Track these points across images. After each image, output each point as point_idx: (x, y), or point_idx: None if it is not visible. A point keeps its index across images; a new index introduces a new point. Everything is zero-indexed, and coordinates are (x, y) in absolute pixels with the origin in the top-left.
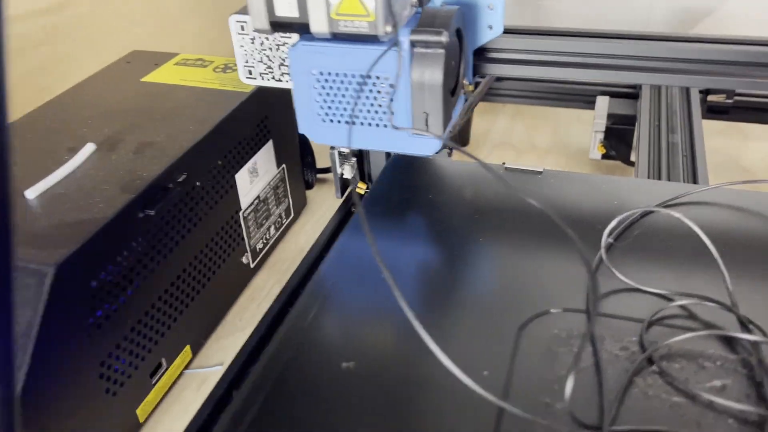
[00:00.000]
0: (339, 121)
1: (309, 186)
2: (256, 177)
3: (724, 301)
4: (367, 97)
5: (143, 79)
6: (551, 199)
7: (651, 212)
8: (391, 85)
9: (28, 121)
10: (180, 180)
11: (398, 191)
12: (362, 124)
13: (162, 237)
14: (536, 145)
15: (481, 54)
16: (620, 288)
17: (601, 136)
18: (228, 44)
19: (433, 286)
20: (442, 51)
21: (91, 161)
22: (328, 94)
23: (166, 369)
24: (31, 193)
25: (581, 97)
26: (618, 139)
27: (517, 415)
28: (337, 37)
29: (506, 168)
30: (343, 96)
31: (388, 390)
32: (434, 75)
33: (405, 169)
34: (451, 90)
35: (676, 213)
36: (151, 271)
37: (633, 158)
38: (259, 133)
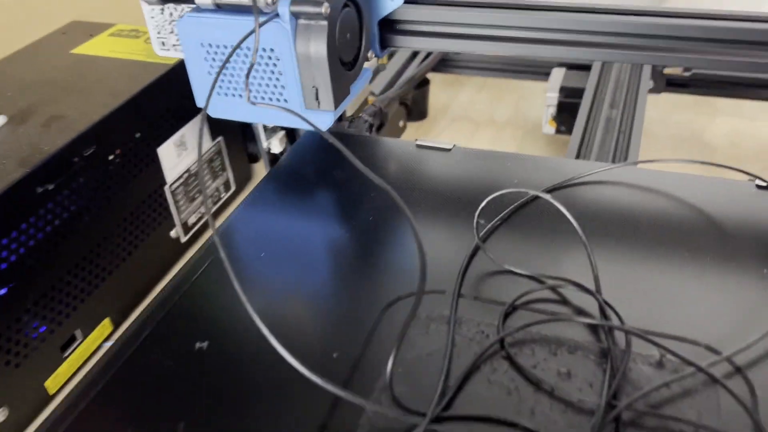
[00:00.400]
0: (233, 95)
1: (254, 159)
2: (184, 150)
3: (590, 286)
4: (257, 71)
5: (73, 51)
6: (454, 176)
7: (534, 195)
8: (278, 58)
9: None
10: (87, 154)
11: (305, 166)
12: (255, 98)
13: (69, 211)
14: (495, 120)
15: (390, 26)
16: (493, 270)
17: (553, 110)
18: None
19: (312, 264)
20: (324, 23)
21: (3, 133)
22: (218, 67)
23: (81, 341)
24: None
25: (543, 69)
26: (570, 114)
27: (343, 397)
28: (222, 9)
29: (417, 145)
30: (234, 69)
31: (236, 369)
32: (319, 47)
33: (317, 145)
34: (348, 63)
35: (545, 195)
36: (56, 245)
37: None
38: (188, 106)
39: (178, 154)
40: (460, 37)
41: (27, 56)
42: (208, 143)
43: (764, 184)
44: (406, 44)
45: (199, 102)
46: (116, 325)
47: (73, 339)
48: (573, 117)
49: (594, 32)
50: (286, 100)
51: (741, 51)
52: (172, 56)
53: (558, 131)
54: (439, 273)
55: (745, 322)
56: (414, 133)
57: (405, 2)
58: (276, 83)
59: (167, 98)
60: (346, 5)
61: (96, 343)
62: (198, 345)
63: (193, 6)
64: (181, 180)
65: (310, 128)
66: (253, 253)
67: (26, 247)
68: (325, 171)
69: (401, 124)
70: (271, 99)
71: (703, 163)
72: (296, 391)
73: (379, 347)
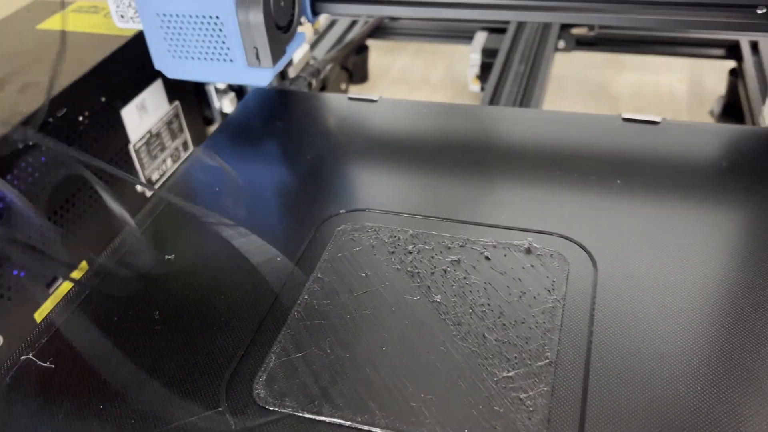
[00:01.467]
0: (187, 57)
1: (209, 122)
2: (145, 113)
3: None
4: (205, 35)
5: (39, 27)
6: (381, 124)
7: None
8: (223, 24)
9: None
10: (60, 115)
11: (253, 120)
12: (206, 59)
13: (45, 166)
14: (429, 81)
15: None
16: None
17: (476, 70)
18: None
19: (258, 194)
20: None
21: None
22: (172, 34)
23: (63, 281)
24: None
25: (468, 34)
26: (486, 70)
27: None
28: None
29: (349, 98)
30: (186, 35)
31: (201, 283)
32: (256, 15)
33: (264, 101)
34: (283, 27)
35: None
36: (36, 196)
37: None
38: (146, 74)
39: (140, 116)
40: (384, 3)
41: None
42: (166, 107)
43: (628, 117)
44: (333, 11)
45: (157, 65)
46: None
47: (56, 278)
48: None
49: None
50: (231, 60)
51: (640, 9)
52: (130, 27)
53: (482, 89)
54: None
55: (599, 218)
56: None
57: None
58: (222, 45)
59: (128, 66)
60: None
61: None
62: (167, 257)
63: None
64: (144, 140)
65: (255, 85)
66: (209, 189)
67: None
68: (268, 122)
69: (343, 87)
70: (218, 59)
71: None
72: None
73: (313, 253)
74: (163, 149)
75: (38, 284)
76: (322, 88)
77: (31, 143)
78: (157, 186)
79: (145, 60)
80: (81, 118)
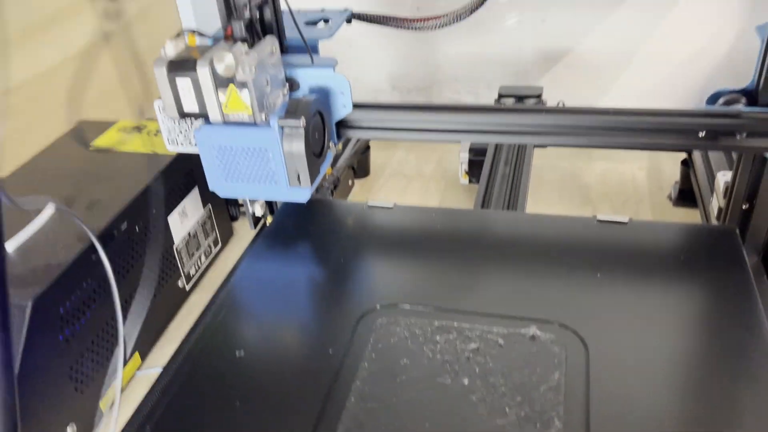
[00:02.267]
0: (238, 180)
1: (234, 218)
2: (185, 218)
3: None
4: (255, 163)
5: (91, 147)
6: (397, 227)
7: None
8: (270, 155)
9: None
10: (123, 228)
11: (289, 228)
12: (254, 181)
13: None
14: (423, 174)
15: (343, 123)
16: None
17: (465, 166)
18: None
19: (301, 294)
20: (302, 131)
21: (54, 219)
22: (226, 162)
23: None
24: (10, 246)
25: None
26: (477, 168)
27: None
28: (229, 123)
29: (369, 205)
30: (238, 163)
31: (270, 374)
32: (299, 147)
33: (297, 211)
34: (317, 153)
35: None
36: (104, 298)
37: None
38: (186, 184)
39: (181, 221)
40: (390, 129)
41: (53, 153)
42: (201, 211)
43: (601, 218)
44: (354, 135)
45: (212, 186)
46: (143, 357)
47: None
48: (480, 171)
49: (489, 124)
50: (276, 182)
51: (601, 133)
52: (178, 150)
53: (470, 182)
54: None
55: (586, 306)
56: (360, 189)
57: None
58: (269, 171)
59: (172, 180)
60: (315, 115)
61: (131, 372)
62: (237, 353)
63: (206, 119)
64: (184, 241)
65: (296, 201)
66: (260, 294)
67: (85, 301)
68: (302, 229)
69: (350, 182)
70: (265, 181)
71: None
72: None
73: (358, 344)
74: (198, 247)
75: (102, 376)
76: (335, 187)
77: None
78: (194, 282)
79: (185, 173)
80: (137, 229)
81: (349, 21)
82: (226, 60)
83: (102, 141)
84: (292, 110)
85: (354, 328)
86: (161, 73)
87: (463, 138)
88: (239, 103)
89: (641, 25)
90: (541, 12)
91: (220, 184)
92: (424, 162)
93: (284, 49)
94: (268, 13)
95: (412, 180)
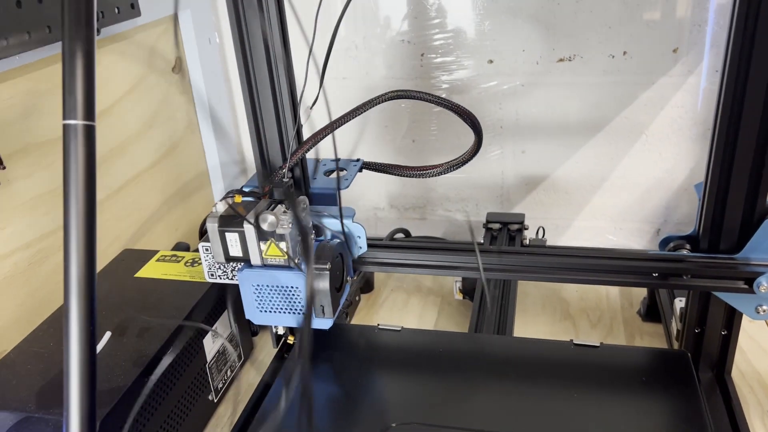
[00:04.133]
0: (270, 312)
1: (254, 334)
2: (216, 337)
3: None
4: (287, 298)
5: (135, 276)
6: (406, 348)
7: None
8: (299, 292)
9: (54, 319)
10: (169, 353)
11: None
12: (284, 312)
13: (158, 392)
14: (421, 288)
15: (359, 260)
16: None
17: (459, 285)
18: (192, 233)
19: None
20: (327, 273)
21: (110, 345)
22: (262, 297)
23: None
24: None
25: None
26: (470, 286)
27: None
28: (266, 266)
29: (379, 328)
30: (272, 298)
31: None
32: (324, 286)
33: (316, 335)
34: (338, 288)
35: None
36: (151, 416)
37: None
38: (218, 307)
39: (213, 341)
40: (397, 265)
41: (104, 279)
42: (228, 329)
43: (577, 342)
44: (366, 269)
45: (248, 315)
46: None
47: None
48: (471, 289)
49: (479, 263)
50: (301, 311)
51: (567, 273)
52: (216, 282)
53: (464, 297)
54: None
55: (564, 424)
56: (365, 303)
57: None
58: (297, 304)
59: (208, 306)
60: (337, 257)
61: None
62: None
63: (248, 263)
64: (215, 358)
65: (319, 328)
66: (288, 413)
67: (138, 420)
68: (321, 352)
69: (357, 298)
70: (293, 312)
71: None
72: None
73: None
74: (225, 362)
75: None
76: (348, 306)
77: (149, 379)
78: (221, 396)
79: (218, 298)
80: (180, 351)
81: (360, 170)
82: (269, 220)
83: (146, 271)
84: (318, 254)
85: None
86: (213, 228)
87: (459, 274)
88: (277, 250)
89: (609, 156)
90: (520, 144)
91: (255, 314)
92: (422, 278)
93: (309, 199)
94: (297, 171)
95: (411, 294)
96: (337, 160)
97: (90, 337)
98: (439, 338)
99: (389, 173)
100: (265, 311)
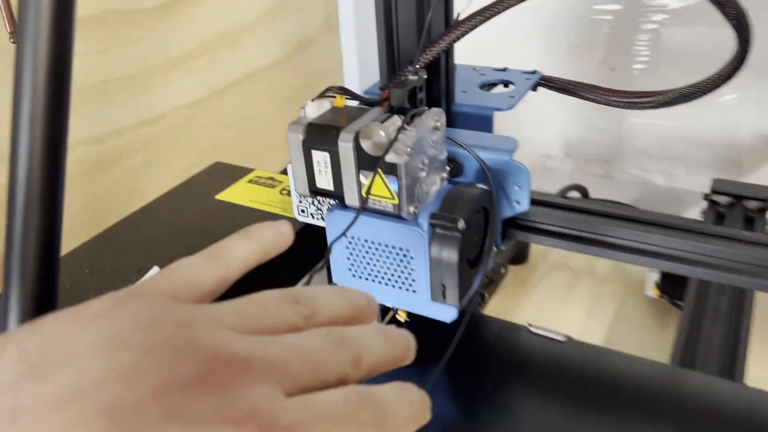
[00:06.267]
0: (367, 279)
1: None
2: None
3: None
4: (391, 263)
5: (216, 197)
6: (569, 372)
7: None
8: (412, 257)
9: (108, 236)
10: None
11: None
12: (386, 284)
13: None
14: (595, 271)
15: (511, 222)
16: None
17: (656, 277)
18: None
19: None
20: (458, 235)
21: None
22: (357, 256)
23: None
24: None
25: None
26: (674, 284)
27: None
28: (367, 210)
29: (531, 330)
30: (370, 259)
31: None
32: (451, 255)
33: None
34: (472, 262)
35: None
36: None
37: (683, 303)
38: (316, 259)
39: None
40: (574, 239)
41: (175, 199)
42: None
43: None
44: (525, 239)
45: (335, 278)
46: None
47: None
48: (677, 286)
49: (692, 253)
50: (414, 291)
51: None
52: (308, 222)
53: (661, 296)
54: None
55: None
56: (513, 279)
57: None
58: (407, 276)
59: (299, 255)
60: (477, 213)
61: None
62: None
63: (341, 201)
64: None
65: (437, 319)
66: None
67: None
68: (445, 351)
69: (503, 270)
70: (401, 288)
71: None
72: None
73: None
74: None
75: None
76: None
77: None
78: None
79: (317, 246)
80: None
81: (534, 89)
82: (375, 137)
83: (230, 193)
84: (448, 205)
85: None
86: (296, 140)
87: (661, 265)
88: (384, 189)
89: None
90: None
91: (345, 279)
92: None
93: (450, 119)
94: (441, 78)
95: (579, 277)
96: (501, 69)
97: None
98: (628, 367)
99: (579, 96)
100: (360, 276)
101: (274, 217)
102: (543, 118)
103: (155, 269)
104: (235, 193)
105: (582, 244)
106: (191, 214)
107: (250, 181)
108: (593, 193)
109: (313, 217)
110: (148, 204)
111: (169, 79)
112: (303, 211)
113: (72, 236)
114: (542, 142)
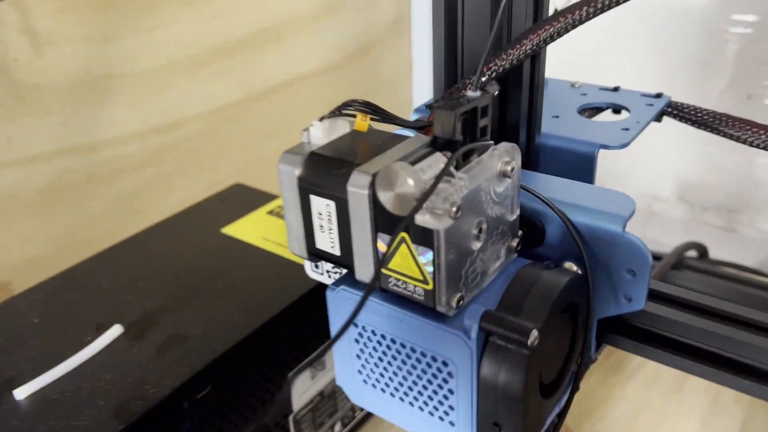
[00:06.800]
0: (382, 389)
1: None
2: (321, 370)
3: None
4: (419, 377)
5: (223, 230)
6: None
7: None
8: (450, 374)
9: (74, 275)
10: (199, 396)
11: None
12: (410, 404)
13: None
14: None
15: (624, 320)
16: None
17: None
18: None
19: None
20: (526, 353)
21: (108, 352)
22: (370, 354)
23: None
24: (21, 393)
25: None
26: None
27: None
28: (386, 292)
29: None
30: (388, 363)
31: None
32: (513, 380)
33: None
34: (546, 387)
35: None
36: None
37: None
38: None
39: (312, 376)
40: (709, 359)
41: (171, 230)
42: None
43: None
44: (636, 351)
45: (339, 380)
46: None
47: None
48: None
49: None
50: (452, 424)
51: None
52: (322, 280)
53: None
54: None
55: None
56: (603, 360)
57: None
58: (442, 400)
59: (307, 317)
60: (562, 313)
61: None
62: None
63: (350, 274)
64: (311, 406)
65: None
66: None
67: None
68: None
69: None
70: (431, 414)
71: None
72: None
73: None
74: (331, 414)
75: None
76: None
77: None
78: None
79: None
80: (231, 394)
81: (659, 119)
82: (400, 184)
83: (240, 226)
84: (515, 299)
85: None
86: (289, 177)
87: None
88: (413, 265)
89: None
90: None
91: (353, 386)
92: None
93: (531, 157)
94: (523, 96)
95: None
96: (612, 89)
97: None
98: None
99: (721, 133)
100: (374, 385)
101: (285, 263)
102: (650, 147)
103: (116, 329)
104: (247, 227)
105: (687, 360)
106: (186, 252)
107: (270, 212)
108: (713, 252)
109: (329, 276)
110: (135, 235)
111: (193, 79)
112: (317, 266)
113: (41, 268)
114: (649, 178)
